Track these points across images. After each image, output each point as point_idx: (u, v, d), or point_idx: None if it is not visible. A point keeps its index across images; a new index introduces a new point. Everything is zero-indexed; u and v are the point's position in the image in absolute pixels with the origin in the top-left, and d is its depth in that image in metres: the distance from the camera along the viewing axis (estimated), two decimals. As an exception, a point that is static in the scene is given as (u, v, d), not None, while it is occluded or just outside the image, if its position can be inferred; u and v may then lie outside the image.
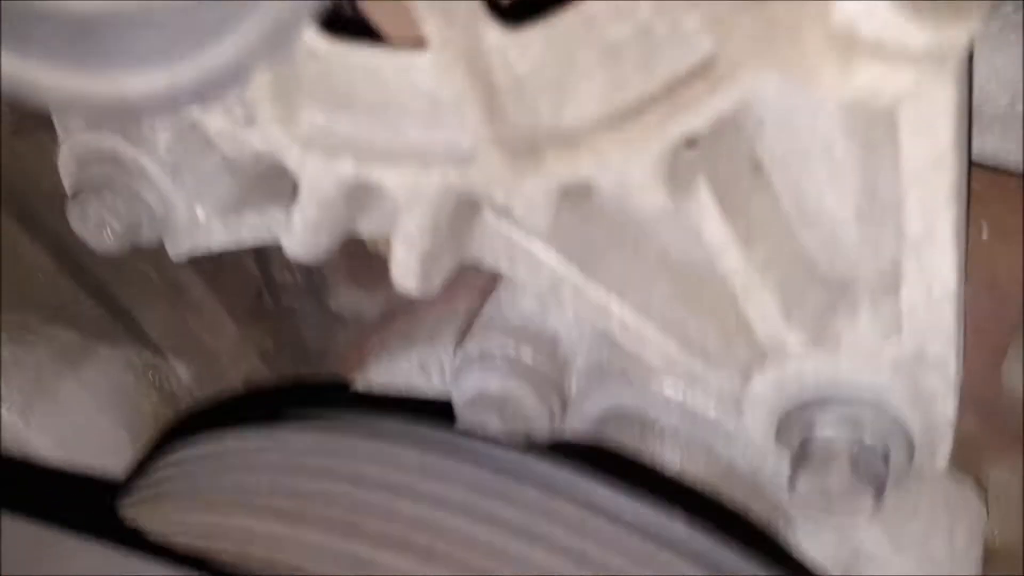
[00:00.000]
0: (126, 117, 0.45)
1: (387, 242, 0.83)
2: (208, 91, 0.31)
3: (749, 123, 0.53)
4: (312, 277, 0.86)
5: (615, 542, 0.55)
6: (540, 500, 0.55)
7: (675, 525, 0.57)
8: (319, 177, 0.50)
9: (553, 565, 0.53)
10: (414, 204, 0.50)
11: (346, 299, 0.86)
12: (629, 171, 0.44)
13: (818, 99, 0.52)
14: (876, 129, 0.52)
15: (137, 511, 0.60)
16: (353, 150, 0.49)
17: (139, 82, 0.30)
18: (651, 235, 0.59)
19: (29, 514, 0.52)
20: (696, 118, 0.41)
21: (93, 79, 0.30)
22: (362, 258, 0.84)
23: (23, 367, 0.84)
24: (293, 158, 0.50)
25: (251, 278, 0.88)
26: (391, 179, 0.49)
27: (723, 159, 0.51)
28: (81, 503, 0.71)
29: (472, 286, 0.79)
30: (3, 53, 0.31)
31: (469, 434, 0.60)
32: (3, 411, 0.84)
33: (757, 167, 0.54)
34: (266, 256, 0.85)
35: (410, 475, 0.56)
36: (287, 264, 0.85)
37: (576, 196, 0.51)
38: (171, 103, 0.31)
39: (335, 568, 0.52)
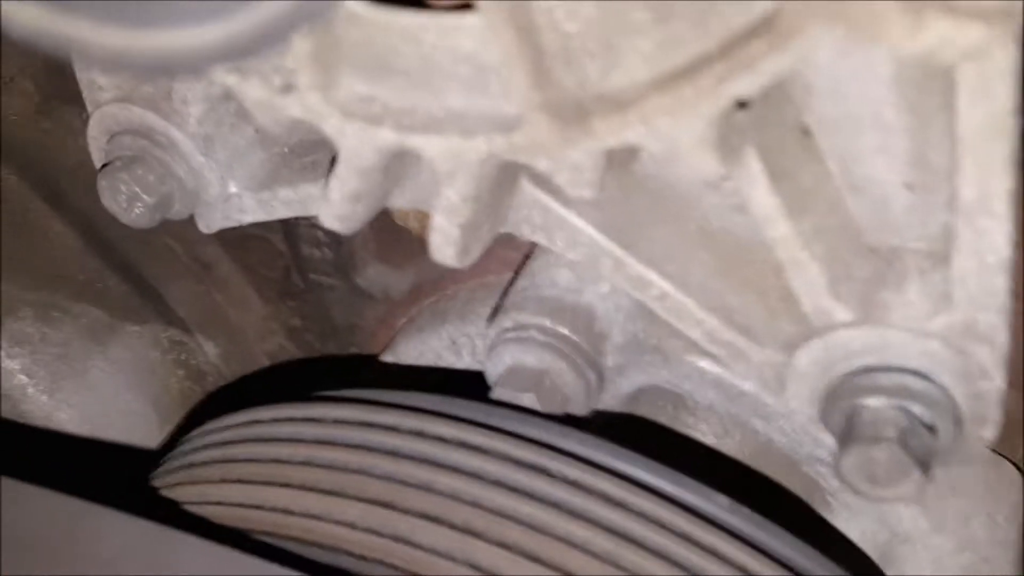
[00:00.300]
0: (175, 73, 0.44)
1: (416, 217, 0.83)
2: (263, 44, 0.30)
3: (797, 89, 0.52)
4: (340, 253, 0.85)
5: (656, 518, 0.54)
6: (580, 475, 0.54)
7: (718, 502, 0.56)
8: (358, 146, 0.49)
9: (594, 541, 0.52)
10: (456, 173, 0.49)
11: (374, 275, 0.85)
12: (679, 136, 0.43)
13: (870, 63, 0.50)
14: (929, 94, 0.51)
15: (170, 484, 0.60)
16: (393, 118, 0.48)
17: (191, 36, 0.29)
18: (692, 205, 0.58)
19: (61, 487, 0.51)
20: (753, 79, 0.40)
21: (142, 35, 0.29)
22: (390, 233, 0.83)
23: (50, 344, 0.84)
24: (332, 126, 0.49)
25: (278, 254, 0.87)
26: (432, 147, 0.48)
27: (771, 126, 0.50)
28: (113, 477, 0.70)
29: (502, 260, 0.78)
30: (49, 11, 0.30)
31: (506, 408, 0.59)
32: (30, 388, 0.84)
33: (805, 134, 0.53)
34: (294, 232, 0.84)
35: (448, 449, 0.55)
36: (315, 240, 0.84)
37: (619, 164, 0.50)
38: (224, 57, 0.30)
39: (374, 542, 0.51)
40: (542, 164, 0.47)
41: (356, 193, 0.52)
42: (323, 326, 0.90)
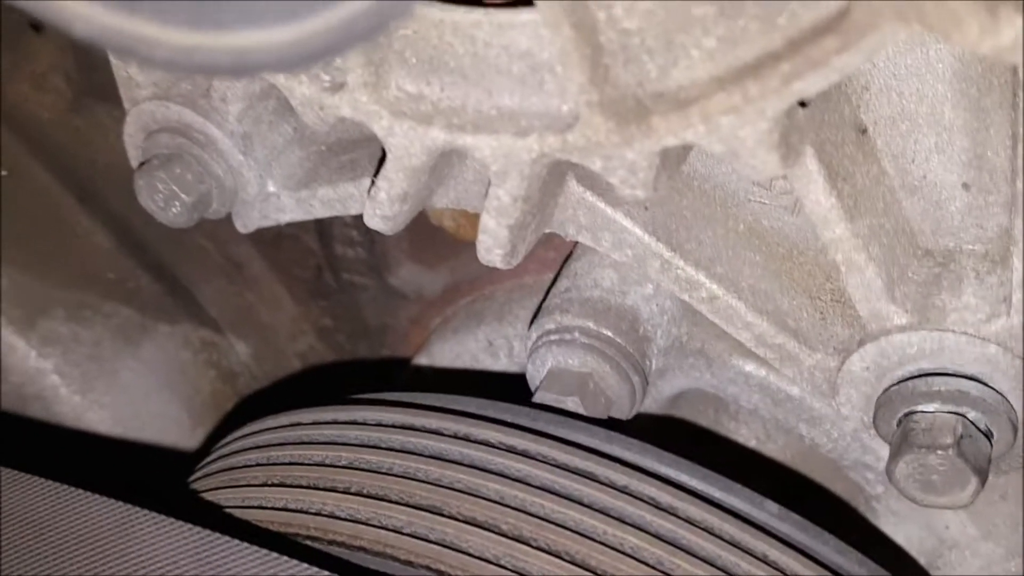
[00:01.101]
0: (244, 74, 0.43)
1: (451, 216, 0.82)
2: (337, 47, 0.29)
3: (855, 87, 0.51)
4: (373, 252, 0.84)
5: (706, 525, 0.53)
6: (628, 481, 0.53)
7: (767, 508, 0.55)
8: (408, 145, 0.48)
9: (643, 548, 0.51)
10: (507, 173, 0.48)
11: (407, 275, 0.84)
12: (743, 135, 0.42)
13: (929, 60, 0.49)
14: (989, 91, 0.50)
15: (210, 488, 0.59)
16: (444, 116, 0.47)
17: (260, 37, 0.28)
18: (742, 205, 0.57)
19: (105, 491, 0.50)
20: (823, 76, 0.39)
21: (213, 35, 0.29)
22: (424, 233, 0.82)
23: (82, 344, 0.83)
24: (382, 126, 0.48)
25: (311, 253, 0.86)
26: (484, 147, 0.47)
27: (828, 125, 0.49)
28: (151, 480, 0.70)
29: (540, 260, 0.77)
30: (114, 10, 0.29)
31: (551, 412, 0.58)
32: (62, 389, 0.83)
33: (861, 133, 0.52)
34: (328, 231, 0.83)
35: (494, 453, 0.54)
36: (348, 239, 0.84)
37: (673, 164, 0.49)
38: (296, 59, 0.29)
39: (421, 548, 0.50)
40: (596, 164, 0.46)
41: (403, 193, 0.52)
42: (354, 326, 0.89)
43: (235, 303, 0.88)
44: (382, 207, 0.52)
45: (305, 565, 0.46)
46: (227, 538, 0.47)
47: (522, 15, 0.44)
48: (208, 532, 0.47)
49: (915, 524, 0.68)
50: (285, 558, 0.46)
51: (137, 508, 0.47)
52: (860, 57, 0.37)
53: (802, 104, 0.45)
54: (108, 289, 0.84)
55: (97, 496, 0.48)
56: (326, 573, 0.46)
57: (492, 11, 0.45)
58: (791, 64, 0.39)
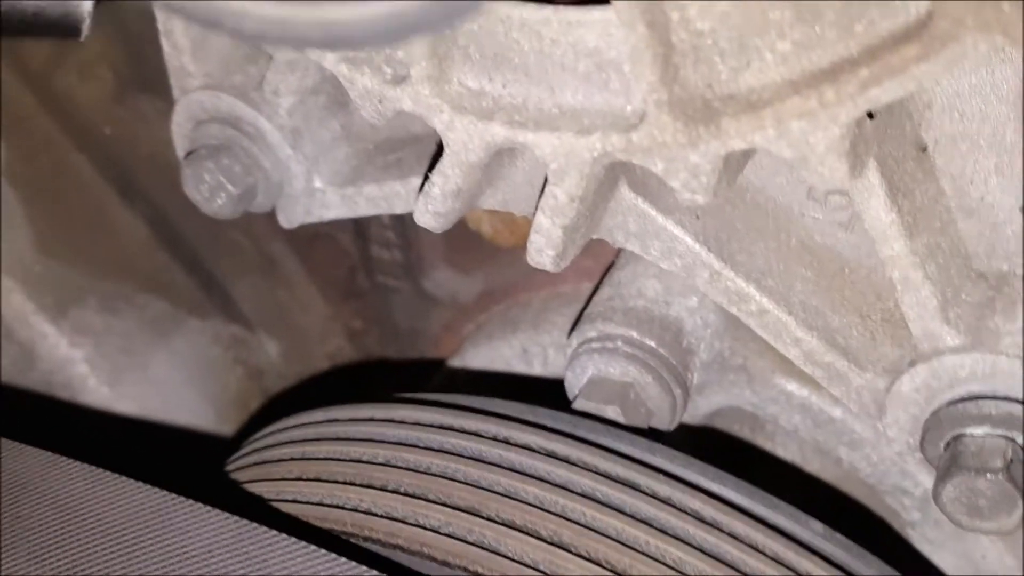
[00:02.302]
0: (331, 47, 0.42)
1: (489, 221, 0.82)
2: (428, 24, 0.29)
3: (918, 104, 0.50)
4: (408, 256, 0.83)
5: (750, 541, 0.52)
6: (671, 492, 0.53)
7: (812, 527, 0.54)
8: (467, 140, 0.48)
9: (686, 562, 0.50)
10: (566, 171, 0.47)
11: (442, 279, 0.84)
12: (812, 140, 0.41)
13: (995, 79, 0.49)
14: (1054, 115, 0.50)
15: (243, 480, 0.59)
16: (506, 112, 0.47)
17: (351, 10, 0.28)
18: (794, 219, 0.56)
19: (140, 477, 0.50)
20: (899, 85, 0.38)
21: (300, 6, 0.28)
22: (461, 238, 0.82)
23: (113, 335, 0.83)
24: (442, 120, 0.48)
25: (345, 254, 0.86)
26: (544, 144, 0.47)
27: (890, 140, 0.49)
28: (186, 471, 0.69)
29: (579, 269, 0.76)
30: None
31: (592, 419, 0.58)
32: (91, 380, 0.83)
33: (922, 151, 0.51)
34: (364, 232, 0.83)
35: (535, 458, 0.53)
36: (385, 241, 0.83)
37: (733, 170, 0.48)
38: (384, 35, 0.29)
39: (458, 548, 0.50)
40: (658, 166, 0.46)
41: (457, 190, 0.51)
42: (385, 329, 0.89)
43: (267, 301, 0.88)
44: (435, 203, 0.52)
45: (343, 560, 0.46)
46: (264, 528, 0.46)
47: (593, 13, 0.44)
48: (246, 522, 0.47)
49: (951, 552, 0.67)
50: (323, 551, 0.46)
51: (175, 495, 0.47)
52: (940, 67, 0.37)
53: (870, 116, 0.45)
54: (142, 281, 0.84)
55: (135, 482, 0.48)
56: (363, 568, 0.45)
57: (561, 8, 0.44)
58: (869, 71, 0.39)
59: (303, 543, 0.46)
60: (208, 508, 0.47)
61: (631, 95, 0.45)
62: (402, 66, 0.48)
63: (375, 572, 0.45)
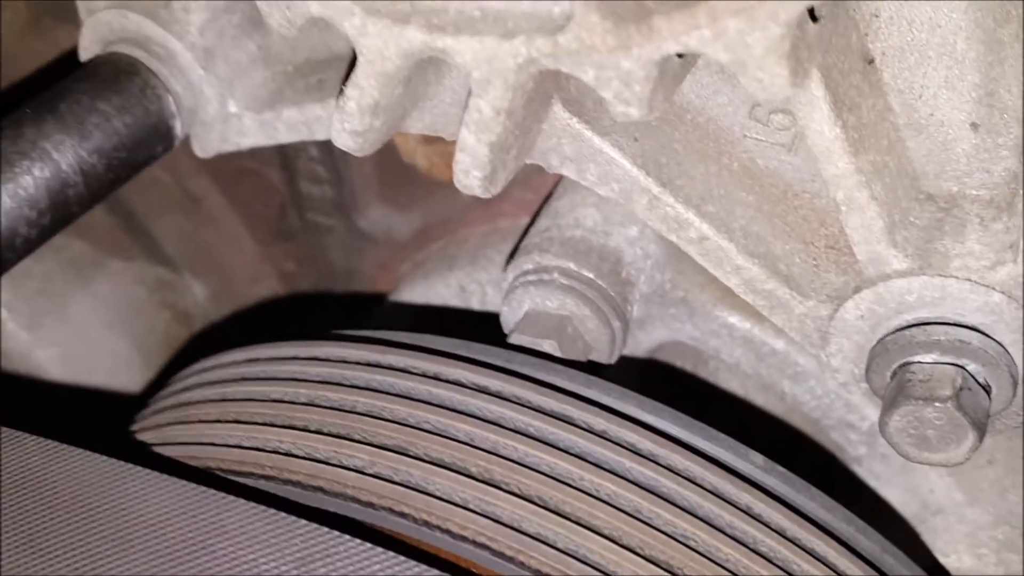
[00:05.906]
0: None
1: (424, 154, 0.78)
2: None
3: (864, 13, 0.48)
4: (341, 192, 0.80)
5: (687, 474, 0.49)
6: (606, 426, 0.50)
7: (752, 460, 0.51)
8: (382, 47, 0.45)
9: (622, 496, 0.48)
10: (490, 81, 0.44)
11: (377, 216, 0.80)
12: (751, 41, 0.38)
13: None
14: (1006, 23, 0.47)
15: (160, 424, 0.55)
16: (423, 15, 0.44)
17: None
18: (736, 141, 0.54)
19: (40, 432, 0.47)
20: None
21: None
22: (396, 172, 0.78)
23: (31, 277, 0.79)
24: (353, 24, 0.44)
25: (274, 191, 0.82)
26: (465, 50, 0.43)
27: (835, 50, 0.46)
28: (96, 421, 0.66)
29: (518, 202, 0.73)
30: None
31: (526, 353, 0.55)
32: (10, 324, 0.78)
33: (870, 64, 0.49)
34: (293, 166, 0.79)
35: (466, 394, 0.50)
36: (315, 176, 0.80)
37: (670, 82, 0.45)
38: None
39: (384, 489, 0.47)
40: (588, 74, 0.42)
41: (375, 104, 0.48)
42: (319, 270, 0.85)
43: (193, 241, 0.84)
44: (351, 119, 0.48)
45: (293, 518, 0.43)
46: (221, 493, 0.44)
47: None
48: (203, 488, 0.44)
49: (898, 488, 0.65)
50: (280, 513, 0.43)
51: (127, 464, 0.44)
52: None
53: (813, 18, 0.42)
54: (59, 220, 0.80)
55: (85, 451, 0.45)
56: (316, 526, 0.43)
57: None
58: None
59: (259, 506, 0.44)
60: (164, 476, 0.45)
61: (558, -6, 0.42)
62: (312, -31, 0.45)
63: (336, 532, 0.42)
